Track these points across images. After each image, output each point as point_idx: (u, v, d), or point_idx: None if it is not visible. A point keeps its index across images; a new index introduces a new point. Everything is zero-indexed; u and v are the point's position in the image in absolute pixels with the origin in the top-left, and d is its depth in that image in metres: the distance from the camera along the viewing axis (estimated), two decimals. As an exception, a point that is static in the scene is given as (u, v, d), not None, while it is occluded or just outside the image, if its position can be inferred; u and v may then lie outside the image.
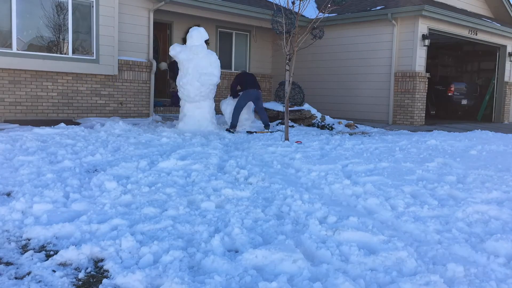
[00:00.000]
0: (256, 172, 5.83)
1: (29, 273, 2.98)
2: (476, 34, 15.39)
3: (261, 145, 7.87)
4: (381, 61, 13.91)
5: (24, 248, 3.40)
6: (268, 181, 5.36)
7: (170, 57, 12.07)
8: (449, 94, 16.30)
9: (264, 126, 10.69)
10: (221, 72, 10.71)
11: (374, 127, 12.44)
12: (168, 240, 3.46)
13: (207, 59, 10.12)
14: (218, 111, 13.11)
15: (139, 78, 11.90)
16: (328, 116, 12.99)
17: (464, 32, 14.94)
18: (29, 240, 3.53)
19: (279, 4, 9.62)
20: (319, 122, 12.12)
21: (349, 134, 10.47)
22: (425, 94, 13.88)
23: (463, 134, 10.34)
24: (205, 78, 10.00)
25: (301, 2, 8.83)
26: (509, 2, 17.87)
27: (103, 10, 10.88)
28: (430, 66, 16.15)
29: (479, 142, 8.90)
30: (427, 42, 13.35)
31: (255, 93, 10.61)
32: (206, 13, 13.29)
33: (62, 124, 9.08)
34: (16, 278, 2.92)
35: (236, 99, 10.70)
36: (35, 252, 3.30)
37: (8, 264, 3.12)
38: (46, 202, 4.32)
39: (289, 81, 8.90)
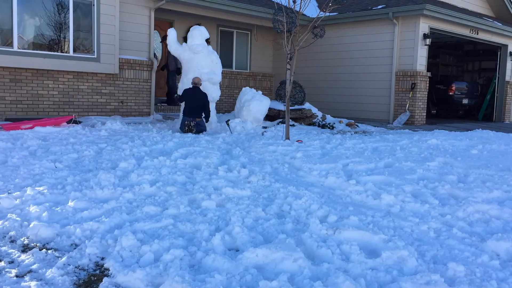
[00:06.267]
0: (257, 171, 5.83)
1: (29, 272, 2.98)
2: (477, 34, 15.37)
3: (262, 144, 7.87)
4: (382, 60, 13.89)
5: (24, 247, 3.40)
6: (268, 180, 5.36)
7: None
8: (450, 93, 16.28)
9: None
10: (222, 71, 10.70)
11: (375, 126, 12.43)
12: (168, 238, 3.46)
13: (208, 58, 10.12)
14: (219, 110, 13.11)
15: (140, 76, 11.90)
16: (329, 115, 12.98)
17: (465, 32, 14.92)
18: (29, 238, 3.53)
19: (280, 3, 9.61)
20: (320, 121, 12.11)
21: (350, 133, 10.46)
22: (426, 93, 13.87)
23: (464, 134, 10.33)
24: (206, 77, 10.01)
25: (302, 1, 8.82)
26: (510, 1, 17.84)
27: (104, 9, 10.88)
28: (431, 65, 16.13)
29: (480, 141, 8.89)
30: (428, 41, 13.34)
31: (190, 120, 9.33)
32: (207, 12, 13.28)
33: (63, 123, 9.09)
34: (17, 276, 2.92)
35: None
36: (35, 250, 3.29)
37: (8, 262, 3.13)
38: (46, 200, 4.33)
39: (290, 80, 8.90)
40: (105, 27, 10.93)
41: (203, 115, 9.58)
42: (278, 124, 11.26)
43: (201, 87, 9.71)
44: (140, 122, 10.69)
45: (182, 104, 9.83)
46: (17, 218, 3.88)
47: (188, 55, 10.08)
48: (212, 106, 10.40)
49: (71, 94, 10.75)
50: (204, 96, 9.61)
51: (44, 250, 3.33)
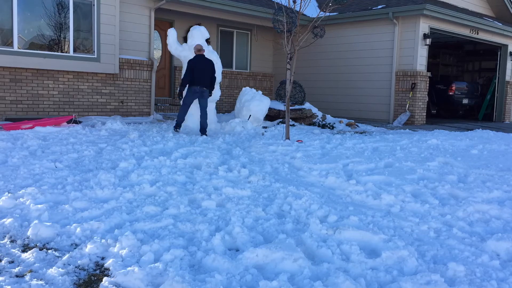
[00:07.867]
0: (257, 171, 5.83)
1: (30, 271, 2.98)
2: (478, 34, 15.36)
3: (262, 144, 7.87)
4: (382, 60, 13.89)
5: (25, 246, 3.40)
6: (268, 180, 5.36)
7: None
8: (450, 93, 16.28)
9: (200, 130, 9.31)
10: (222, 71, 10.70)
11: (375, 126, 12.43)
12: (169, 238, 3.46)
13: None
14: (219, 110, 13.11)
15: (140, 76, 11.90)
16: (329, 115, 12.98)
17: (466, 32, 14.92)
18: (29, 238, 3.53)
19: (280, 2, 9.61)
20: (320, 121, 12.11)
21: (350, 133, 10.46)
22: (426, 93, 13.87)
23: (464, 134, 10.33)
24: (206, 77, 9.99)
25: (302, 1, 8.82)
26: (510, 1, 17.84)
27: (104, 9, 10.88)
28: (431, 65, 16.13)
29: (480, 141, 8.89)
30: (428, 41, 13.33)
31: (197, 90, 9.22)
32: (207, 11, 13.28)
33: (63, 123, 9.09)
34: (17, 276, 2.92)
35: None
36: (35, 250, 3.29)
37: (9, 262, 3.13)
38: (46, 200, 4.33)
39: (290, 80, 8.90)
40: (105, 27, 10.93)
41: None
42: (278, 124, 11.26)
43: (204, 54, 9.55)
44: (140, 122, 10.69)
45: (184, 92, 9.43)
46: (17, 218, 3.88)
47: (188, 55, 10.08)
48: (212, 106, 10.40)
49: (71, 94, 10.75)
50: (211, 62, 9.38)
51: (44, 250, 3.33)
